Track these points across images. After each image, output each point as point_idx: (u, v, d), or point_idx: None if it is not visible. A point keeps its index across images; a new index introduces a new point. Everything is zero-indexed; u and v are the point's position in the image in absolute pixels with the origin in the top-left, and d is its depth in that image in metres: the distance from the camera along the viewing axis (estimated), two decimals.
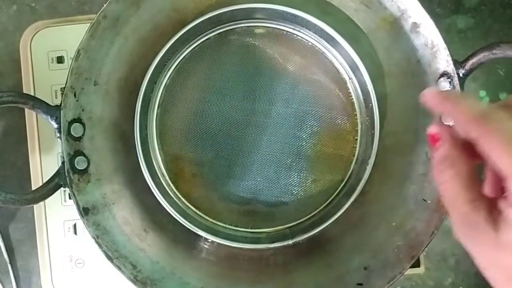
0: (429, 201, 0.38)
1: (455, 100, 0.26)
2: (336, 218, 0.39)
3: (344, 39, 0.40)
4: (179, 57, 0.42)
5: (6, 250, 0.47)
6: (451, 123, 0.33)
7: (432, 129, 0.27)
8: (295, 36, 0.42)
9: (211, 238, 0.40)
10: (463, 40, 0.49)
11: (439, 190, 0.25)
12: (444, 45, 0.37)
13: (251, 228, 0.42)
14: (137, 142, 0.40)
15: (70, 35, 0.46)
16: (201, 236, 0.40)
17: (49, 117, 0.37)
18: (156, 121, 0.42)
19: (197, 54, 0.42)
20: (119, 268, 0.37)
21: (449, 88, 0.37)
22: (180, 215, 0.39)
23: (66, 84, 0.37)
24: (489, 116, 0.23)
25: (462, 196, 0.24)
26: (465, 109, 0.24)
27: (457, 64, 0.37)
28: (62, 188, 0.37)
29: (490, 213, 0.23)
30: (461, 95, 0.27)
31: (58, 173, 0.37)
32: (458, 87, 0.37)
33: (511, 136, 0.22)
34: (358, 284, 0.38)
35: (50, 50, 0.47)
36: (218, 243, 0.40)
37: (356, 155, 0.41)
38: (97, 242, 0.37)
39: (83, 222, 0.37)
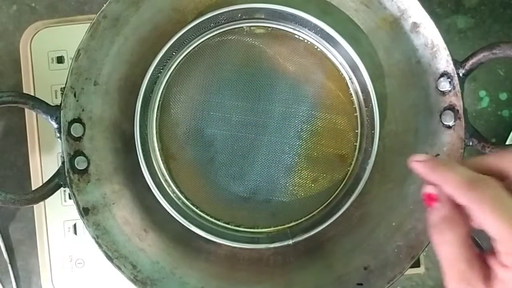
0: None
1: (443, 169, 0.27)
2: (336, 218, 0.39)
3: (344, 39, 0.40)
4: (179, 57, 0.42)
5: (6, 250, 0.47)
6: None
7: (428, 189, 0.27)
8: (295, 36, 0.42)
9: (211, 238, 0.40)
10: (463, 40, 0.49)
11: (436, 249, 0.26)
12: (444, 45, 0.37)
13: (251, 228, 0.42)
14: (137, 142, 0.40)
15: (70, 35, 0.46)
16: (201, 236, 0.40)
17: (49, 117, 0.37)
18: (156, 121, 0.42)
19: (197, 54, 0.42)
20: (119, 268, 0.37)
21: (450, 90, 0.37)
22: (180, 215, 0.39)
23: (66, 84, 0.37)
24: (477, 183, 0.25)
25: (460, 255, 0.25)
26: (454, 177, 0.26)
27: (457, 64, 0.37)
28: (62, 188, 0.37)
29: (483, 270, 0.25)
30: (448, 163, 0.27)
31: (58, 173, 0.37)
32: (458, 87, 0.37)
33: (499, 202, 0.24)
34: (358, 284, 0.38)
35: (50, 50, 0.47)
36: (218, 243, 0.40)
37: (356, 155, 0.41)
38: (97, 242, 0.37)
39: (83, 222, 0.37)
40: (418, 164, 0.28)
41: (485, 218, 0.24)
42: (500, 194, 0.24)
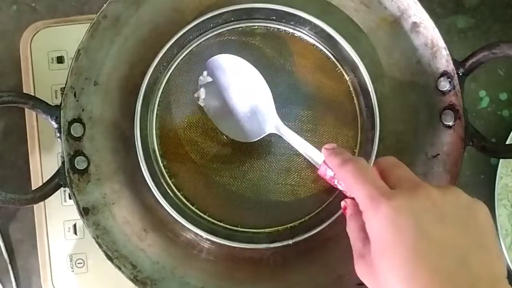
0: None
1: (334, 155, 0.34)
2: (336, 218, 0.39)
3: (344, 39, 0.40)
4: (179, 57, 0.42)
5: (6, 250, 0.47)
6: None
7: (342, 203, 0.34)
8: (295, 36, 0.42)
9: (211, 238, 0.40)
10: (463, 40, 0.49)
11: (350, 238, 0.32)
12: (444, 45, 0.37)
13: (251, 228, 0.42)
14: (137, 142, 0.40)
15: (70, 35, 0.46)
16: (201, 236, 0.40)
17: (49, 117, 0.37)
18: (156, 121, 0.42)
19: (197, 54, 0.42)
20: (119, 268, 0.37)
21: (450, 90, 0.37)
22: (180, 215, 0.39)
23: (66, 84, 0.37)
24: (347, 161, 0.31)
25: (357, 239, 0.31)
26: (334, 159, 0.33)
27: (457, 63, 0.37)
28: (62, 188, 0.37)
29: None
30: (340, 152, 0.34)
31: (58, 173, 0.37)
32: (458, 86, 0.37)
33: (359, 173, 0.30)
34: (358, 284, 0.38)
35: (50, 50, 0.47)
36: (218, 243, 0.40)
37: (356, 155, 0.41)
38: (97, 242, 0.37)
39: (83, 222, 0.37)
40: (325, 150, 0.35)
41: (349, 186, 0.31)
42: (362, 167, 0.30)
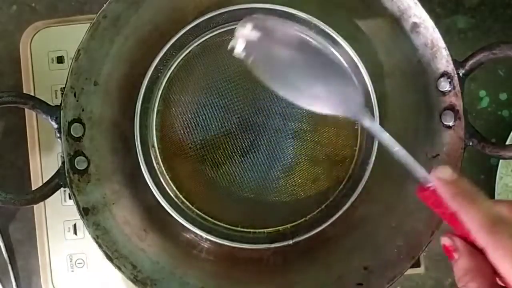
0: None
1: (467, 201, 0.24)
2: (336, 218, 0.39)
3: (344, 39, 0.40)
4: (179, 57, 0.42)
5: (6, 250, 0.47)
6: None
7: (445, 241, 0.25)
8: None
9: (211, 238, 0.40)
10: (463, 40, 0.49)
11: None
12: (444, 45, 0.37)
13: (251, 228, 0.41)
14: (137, 142, 0.40)
15: (70, 35, 0.46)
16: (201, 236, 0.40)
17: (49, 117, 0.37)
18: (156, 121, 0.42)
19: (197, 54, 0.42)
20: (119, 268, 0.37)
21: (450, 90, 0.37)
22: (180, 215, 0.39)
23: (66, 84, 0.37)
24: (497, 227, 0.23)
25: None
26: (478, 212, 0.24)
27: (457, 64, 0.37)
28: (62, 188, 0.37)
29: None
30: (472, 194, 0.25)
31: (58, 173, 0.37)
32: (458, 87, 0.37)
33: None
34: (358, 284, 0.38)
35: (50, 50, 0.47)
36: (218, 243, 0.40)
37: (356, 155, 0.41)
38: (97, 242, 0.37)
39: (83, 222, 0.37)
40: (440, 181, 0.25)
41: (501, 266, 0.23)
42: None
